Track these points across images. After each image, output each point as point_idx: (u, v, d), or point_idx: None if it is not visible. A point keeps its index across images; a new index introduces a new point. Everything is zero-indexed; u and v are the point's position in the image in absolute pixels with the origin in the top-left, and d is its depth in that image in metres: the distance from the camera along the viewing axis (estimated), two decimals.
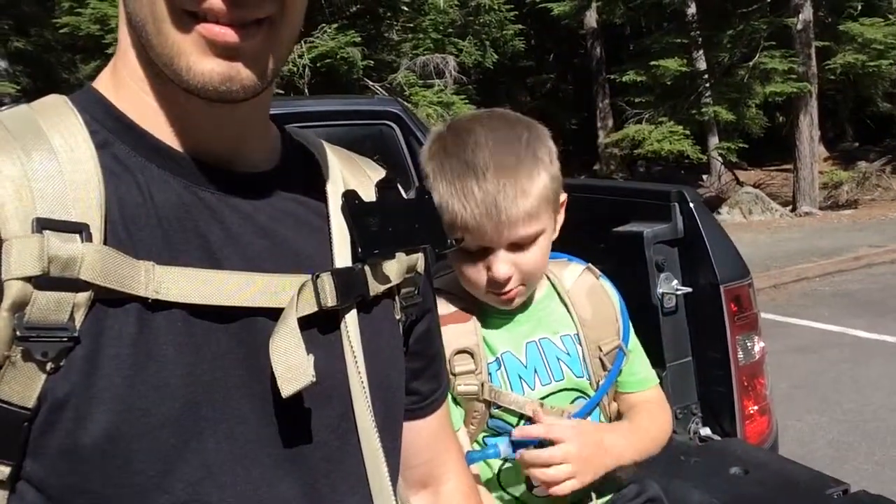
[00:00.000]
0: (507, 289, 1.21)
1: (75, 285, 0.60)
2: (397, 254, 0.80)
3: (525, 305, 1.30)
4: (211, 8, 0.62)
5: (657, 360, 1.93)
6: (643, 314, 1.90)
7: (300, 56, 9.65)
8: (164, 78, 0.67)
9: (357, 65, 10.25)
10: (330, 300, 0.72)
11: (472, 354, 1.24)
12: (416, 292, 0.85)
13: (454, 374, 1.23)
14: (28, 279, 0.58)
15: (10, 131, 0.64)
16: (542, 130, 1.26)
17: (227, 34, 0.63)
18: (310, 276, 0.71)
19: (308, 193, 0.78)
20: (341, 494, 0.74)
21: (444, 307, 1.26)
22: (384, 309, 0.80)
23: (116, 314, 0.62)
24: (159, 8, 0.63)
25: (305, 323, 0.69)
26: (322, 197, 0.79)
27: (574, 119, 19.81)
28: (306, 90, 9.85)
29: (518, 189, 1.16)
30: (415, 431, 0.90)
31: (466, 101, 11.55)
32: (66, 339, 0.59)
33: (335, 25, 10.25)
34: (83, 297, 0.60)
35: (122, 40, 0.70)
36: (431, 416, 0.93)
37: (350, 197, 0.79)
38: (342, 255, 0.76)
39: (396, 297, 0.82)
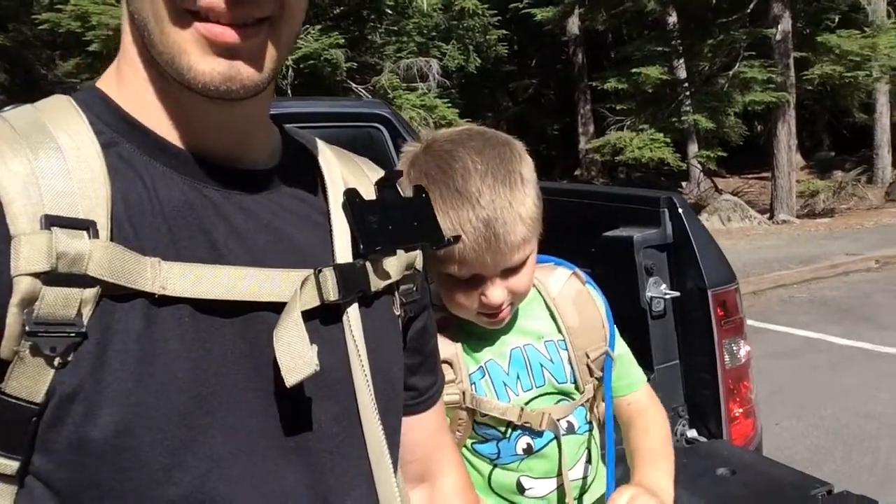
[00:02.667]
0: (500, 311, 1.21)
1: (83, 281, 0.60)
2: (397, 251, 0.82)
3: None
4: (211, 7, 0.63)
5: (645, 364, 1.95)
6: (632, 318, 1.93)
7: None
8: (166, 77, 0.67)
9: (341, 66, 10.25)
10: (332, 294, 0.73)
11: (450, 364, 1.23)
12: (414, 289, 0.86)
13: None
14: (37, 275, 0.59)
15: (16, 130, 0.64)
16: (519, 145, 1.22)
17: (227, 34, 0.63)
18: (312, 271, 0.72)
19: (309, 191, 0.80)
20: (346, 485, 0.75)
21: None
22: (384, 304, 0.82)
23: (123, 309, 0.62)
24: (160, 7, 0.63)
25: (308, 317, 0.70)
26: (323, 195, 0.81)
27: (556, 124, 19.94)
28: (289, 91, 9.83)
29: (514, 215, 1.13)
30: (413, 426, 0.91)
31: (449, 104, 11.59)
32: (73, 335, 0.60)
33: (319, 27, 10.25)
34: (91, 292, 0.61)
35: (125, 40, 0.71)
36: (429, 411, 0.95)
37: (352, 195, 0.80)
38: (343, 252, 0.77)
39: (396, 294, 0.84)
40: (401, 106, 10.29)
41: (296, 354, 0.67)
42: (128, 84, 0.71)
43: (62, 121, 0.66)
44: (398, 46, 11.83)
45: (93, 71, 10.67)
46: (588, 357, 1.31)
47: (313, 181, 0.81)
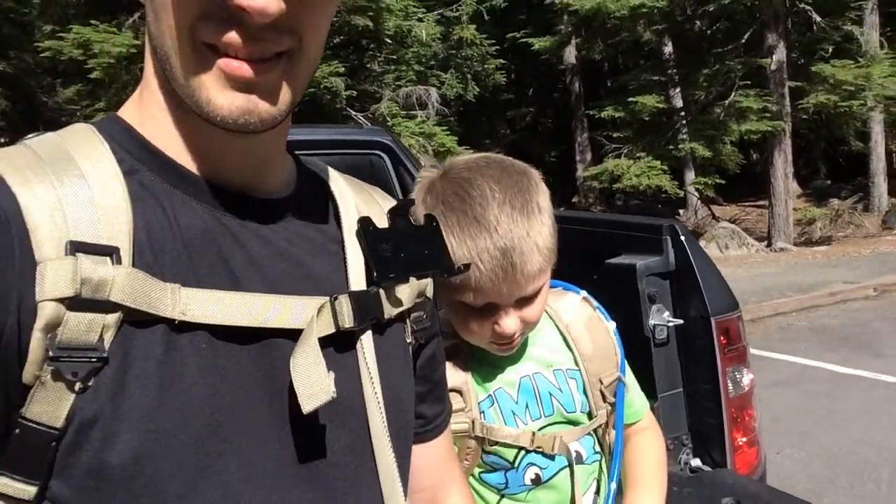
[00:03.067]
0: (512, 339, 1.21)
1: (106, 307, 0.61)
2: (410, 278, 0.83)
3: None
4: (230, 42, 0.64)
5: (649, 392, 1.95)
6: (635, 345, 1.92)
7: None
8: (186, 108, 0.69)
9: (341, 94, 10.34)
10: (348, 321, 0.74)
11: (460, 392, 1.23)
12: (425, 316, 0.87)
13: None
14: (61, 300, 0.59)
15: (41, 157, 0.65)
16: (536, 174, 1.21)
17: (244, 69, 0.65)
18: (328, 299, 0.73)
19: (323, 219, 0.81)
20: None
21: None
22: (396, 332, 0.83)
23: (144, 335, 0.63)
24: (181, 42, 0.65)
25: (323, 343, 0.71)
26: (336, 223, 0.82)
27: (553, 152, 20.06)
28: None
29: (531, 245, 1.12)
30: (421, 455, 0.91)
31: (448, 132, 11.68)
32: (95, 360, 0.60)
33: None
34: (113, 318, 0.61)
35: (147, 71, 0.73)
36: (437, 439, 0.95)
37: (365, 223, 0.81)
38: (357, 279, 0.78)
39: (407, 321, 0.84)
40: (400, 133, 10.37)
41: (313, 381, 0.67)
42: (149, 114, 0.72)
43: (85, 148, 0.68)
44: (397, 75, 11.95)
45: (93, 98, 10.74)
46: (602, 383, 1.31)
47: (327, 210, 0.83)
